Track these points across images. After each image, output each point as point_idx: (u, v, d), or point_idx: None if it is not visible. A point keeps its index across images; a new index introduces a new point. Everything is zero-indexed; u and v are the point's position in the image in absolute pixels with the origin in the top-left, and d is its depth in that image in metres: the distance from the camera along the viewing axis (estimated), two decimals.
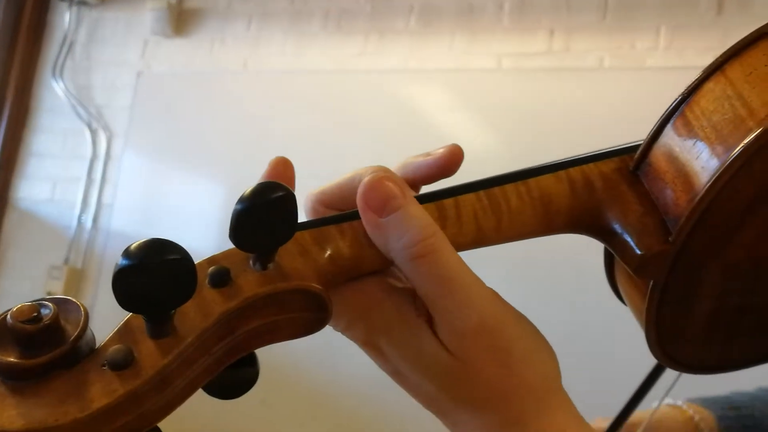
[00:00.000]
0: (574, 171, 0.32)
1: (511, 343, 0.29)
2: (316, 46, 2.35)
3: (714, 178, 0.29)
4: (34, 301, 0.24)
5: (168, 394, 0.25)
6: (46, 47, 2.75)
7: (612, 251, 0.33)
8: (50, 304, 0.24)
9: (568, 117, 1.95)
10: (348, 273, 0.29)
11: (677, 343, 0.35)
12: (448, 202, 0.31)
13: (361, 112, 2.21)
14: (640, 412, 0.60)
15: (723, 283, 0.34)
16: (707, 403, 0.68)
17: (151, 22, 2.52)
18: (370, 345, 0.31)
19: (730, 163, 0.28)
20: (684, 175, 0.30)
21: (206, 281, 0.26)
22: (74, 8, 2.70)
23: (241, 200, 0.25)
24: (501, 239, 0.32)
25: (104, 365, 0.24)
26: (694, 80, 0.32)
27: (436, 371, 0.29)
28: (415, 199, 0.29)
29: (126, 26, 2.66)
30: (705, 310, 0.35)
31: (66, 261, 2.49)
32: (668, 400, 0.69)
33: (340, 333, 0.31)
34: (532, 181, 0.32)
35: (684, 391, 0.68)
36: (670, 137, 0.32)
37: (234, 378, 0.27)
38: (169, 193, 2.43)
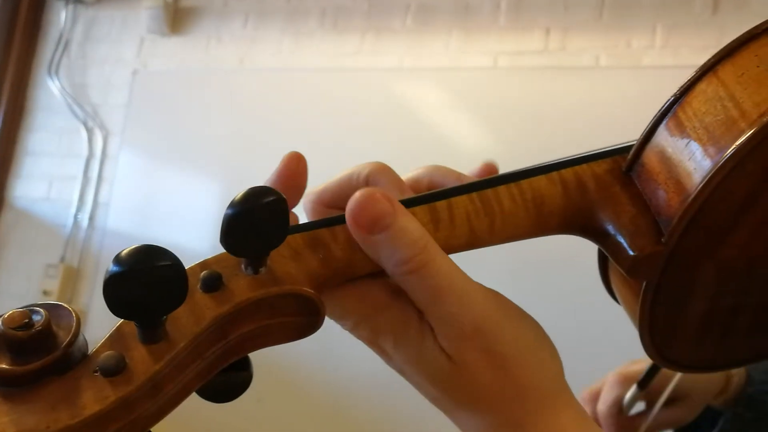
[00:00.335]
0: (566, 172, 0.32)
1: (508, 346, 0.29)
2: (312, 45, 2.35)
3: (706, 179, 0.29)
4: (26, 307, 0.24)
5: (160, 399, 0.25)
6: (41, 45, 2.75)
7: (605, 252, 0.33)
8: (42, 310, 0.24)
9: (564, 115, 1.95)
10: (341, 276, 0.29)
11: (671, 342, 0.35)
12: (441, 204, 0.31)
13: (358, 110, 2.21)
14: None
15: (716, 283, 0.34)
16: None
17: (147, 20, 2.51)
18: (375, 345, 0.31)
19: (722, 164, 0.28)
20: (676, 176, 0.30)
21: (198, 286, 0.26)
22: (70, 6, 2.69)
23: (232, 205, 0.25)
24: (494, 241, 0.32)
25: (96, 371, 0.24)
26: (686, 81, 0.32)
27: (435, 375, 0.30)
28: (405, 213, 0.29)
29: (122, 24, 2.65)
30: (698, 310, 0.35)
31: (62, 259, 2.49)
32: None
33: (342, 331, 0.32)
34: (524, 183, 0.32)
35: None
36: (662, 138, 0.32)
37: (227, 382, 0.27)
38: (165, 191, 2.43)
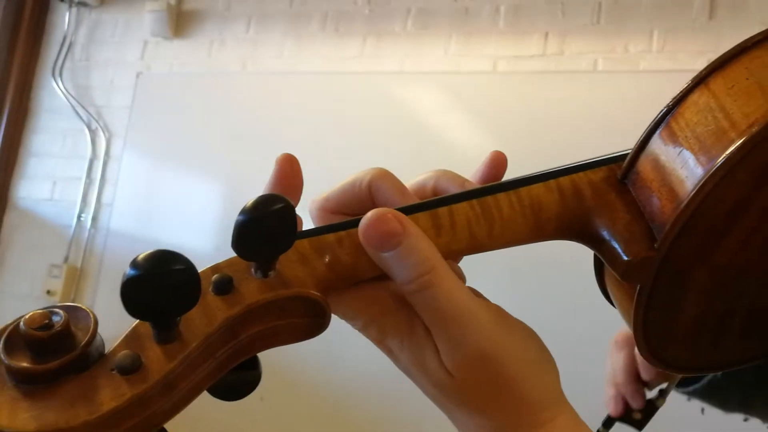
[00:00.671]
0: (563, 180, 0.33)
1: (509, 367, 0.30)
2: (314, 48, 2.36)
3: (698, 187, 0.30)
4: (46, 308, 0.25)
5: (174, 396, 0.25)
6: (45, 48, 2.76)
7: (600, 257, 0.34)
8: (61, 311, 0.25)
9: (562, 119, 1.96)
10: (347, 279, 0.30)
11: (665, 344, 0.36)
12: (442, 210, 0.32)
13: (358, 113, 2.22)
14: None
15: (709, 287, 0.34)
16: None
17: (151, 23, 2.52)
18: (382, 345, 0.32)
19: (713, 172, 0.29)
20: (669, 184, 0.31)
21: (210, 289, 0.27)
22: (74, 9, 2.71)
23: (243, 212, 0.25)
24: (494, 246, 0.33)
25: (113, 370, 0.25)
26: (678, 93, 0.33)
27: (436, 383, 0.31)
28: (416, 234, 0.30)
29: (125, 27, 2.66)
30: (691, 313, 0.35)
31: (65, 260, 2.50)
32: None
33: (344, 332, 0.33)
34: (523, 190, 0.33)
35: None
36: (656, 147, 0.33)
37: (237, 380, 0.28)
38: (167, 192, 2.44)
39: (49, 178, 2.64)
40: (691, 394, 0.75)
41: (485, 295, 0.34)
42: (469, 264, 0.36)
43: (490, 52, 2.11)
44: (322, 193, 0.35)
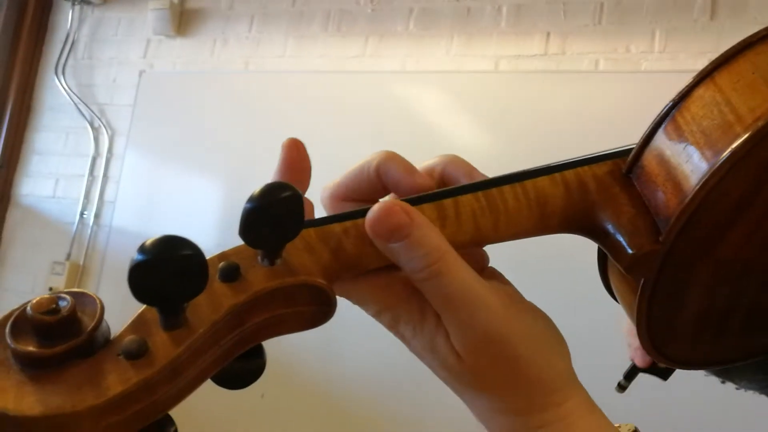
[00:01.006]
0: (568, 173, 0.33)
1: (519, 348, 0.31)
2: (316, 48, 2.36)
3: (703, 181, 0.30)
4: (53, 293, 0.25)
5: (179, 382, 0.26)
6: (48, 46, 2.76)
7: (605, 251, 0.34)
8: (68, 296, 0.25)
9: (563, 119, 1.96)
10: (353, 269, 0.31)
11: (667, 339, 0.36)
12: (448, 202, 0.32)
13: (360, 113, 2.22)
14: None
15: (712, 282, 0.34)
16: None
17: (153, 21, 2.53)
18: (395, 330, 0.33)
19: (719, 166, 0.29)
20: (674, 178, 0.31)
21: (217, 276, 0.27)
22: (77, 7, 2.71)
23: (251, 199, 0.26)
24: (499, 238, 0.33)
25: (119, 355, 0.25)
26: (684, 87, 0.33)
27: (446, 367, 0.31)
28: (424, 224, 0.30)
29: (128, 26, 2.67)
30: (694, 308, 0.35)
31: (68, 257, 2.50)
32: None
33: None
34: (528, 183, 0.33)
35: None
36: (661, 141, 0.33)
37: (242, 368, 0.28)
38: (169, 190, 2.44)
39: (52, 176, 2.65)
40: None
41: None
42: None
43: (492, 52, 2.12)
44: (332, 181, 0.35)
